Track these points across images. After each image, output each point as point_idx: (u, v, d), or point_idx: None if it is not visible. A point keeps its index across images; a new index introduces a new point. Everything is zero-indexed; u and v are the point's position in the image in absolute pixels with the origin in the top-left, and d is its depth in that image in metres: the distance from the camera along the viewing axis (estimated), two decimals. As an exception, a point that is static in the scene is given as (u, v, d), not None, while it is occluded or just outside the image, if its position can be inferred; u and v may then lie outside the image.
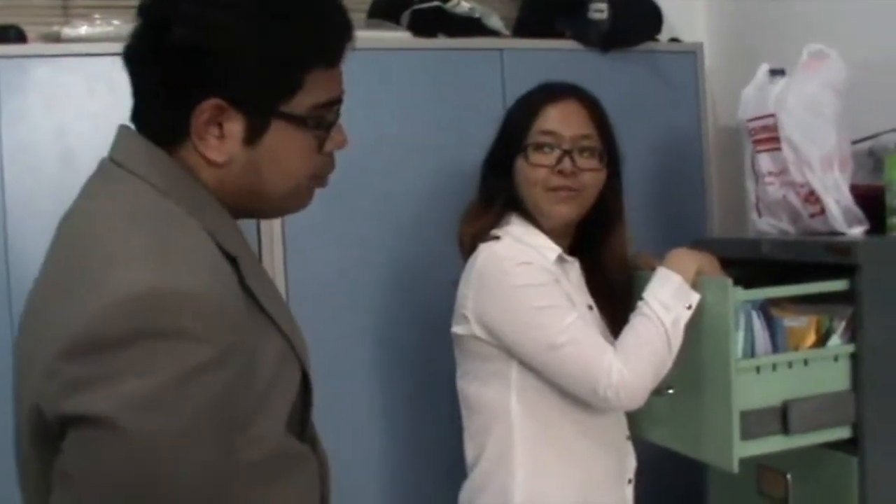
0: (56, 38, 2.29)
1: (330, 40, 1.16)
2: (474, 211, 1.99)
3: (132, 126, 1.16)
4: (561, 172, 1.91)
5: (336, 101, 1.19)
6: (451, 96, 2.52)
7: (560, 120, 1.93)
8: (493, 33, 2.68)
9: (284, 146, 1.15)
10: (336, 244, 2.40)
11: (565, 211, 1.94)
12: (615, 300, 1.99)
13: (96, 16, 2.33)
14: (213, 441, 0.99)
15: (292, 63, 1.13)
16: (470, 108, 2.45)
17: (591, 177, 1.94)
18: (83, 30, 2.29)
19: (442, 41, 2.59)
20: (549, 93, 1.97)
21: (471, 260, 1.92)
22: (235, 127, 1.11)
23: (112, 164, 1.14)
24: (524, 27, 2.76)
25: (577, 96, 1.97)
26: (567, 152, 1.91)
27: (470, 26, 2.63)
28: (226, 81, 1.09)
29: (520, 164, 1.93)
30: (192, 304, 0.97)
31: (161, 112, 1.13)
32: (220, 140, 1.12)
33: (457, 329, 1.94)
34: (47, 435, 0.98)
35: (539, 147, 1.92)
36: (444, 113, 2.51)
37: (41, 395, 0.97)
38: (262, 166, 1.15)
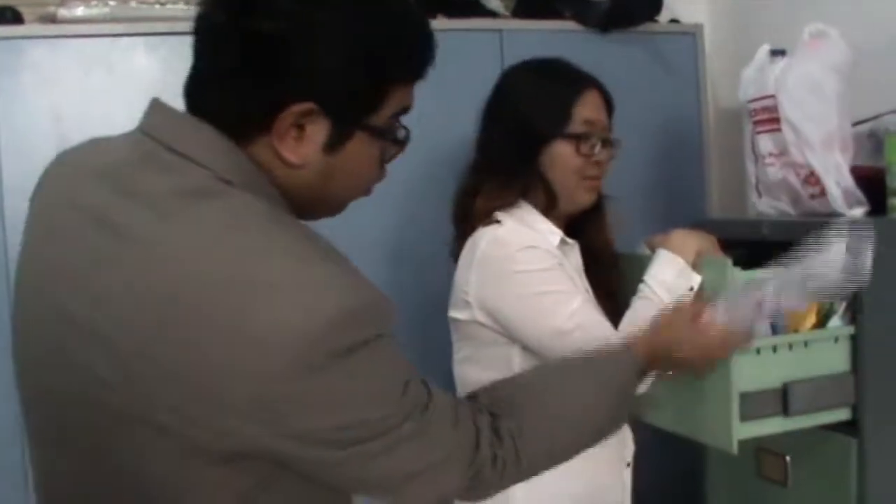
0: (52, 19, 2.28)
1: (422, 57, 1.17)
2: (493, 188, 1.93)
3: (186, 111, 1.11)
4: (597, 163, 1.93)
5: (406, 111, 1.19)
6: (450, 77, 2.49)
7: (594, 109, 1.95)
8: (492, 14, 2.67)
9: (360, 156, 1.14)
10: (331, 225, 2.39)
11: (591, 198, 1.97)
12: (604, 283, 1.99)
13: (92, -3, 2.31)
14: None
15: (388, 77, 1.12)
16: (469, 90, 2.43)
17: (609, 165, 1.98)
18: (79, 11, 2.28)
19: (441, 22, 2.57)
20: (575, 79, 1.97)
21: (469, 243, 1.90)
22: (319, 132, 1.09)
23: (172, 155, 1.07)
24: (523, 8, 2.75)
25: (595, 85, 1.98)
26: (602, 142, 1.94)
27: (469, 7, 2.62)
28: (320, 87, 1.06)
29: (561, 150, 1.91)
30: (373, 310, 1.05)
31: (241, 104, 1.07)
32: (298, 142, 1.08)
33: (457, 314, 1.93)
34: (210, 455, 1.00)
35: (586, 137, 1.92)
36: (443, 94, 2.48)
37: (236, 424, 0.98)
38: (335, 174, 1.13)
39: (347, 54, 1.07)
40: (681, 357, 1.53)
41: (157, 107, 1.12)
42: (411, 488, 1.14)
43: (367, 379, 1.04)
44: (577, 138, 1.91)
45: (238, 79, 1.07)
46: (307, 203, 1.16)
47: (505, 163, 1.94)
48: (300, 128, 1.08)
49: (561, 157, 1.92)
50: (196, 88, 1.11)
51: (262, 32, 1.04)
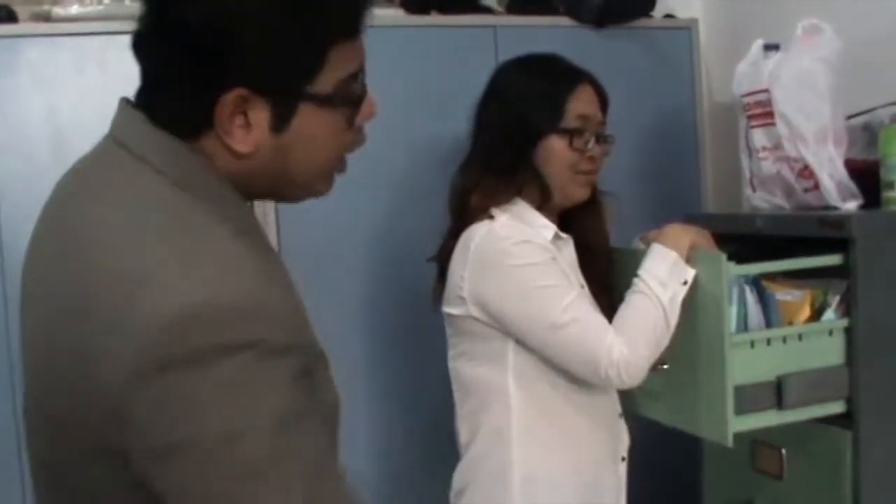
0: (47, 18, 2.29)
1: (350, 10, 1.10)
2: (489, 184, 1.93)
3: (138, 110, 1.08)
4: (591, 157, 1.94)
5: (360, 72, 1.13)
6: (444, 74, 2.51)
7: (588, 104, 1.96)
8: (486, 10, 2.67)
9: (313, 128, 1.08)
10: (327, 222, 2.39)
11: (585, 193, 1.98)
12: (600, 278, 2.00)
13: (86, -5, 2.32)
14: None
15: (314, 40, 1.06)
16: (464, 86, 2.44)
17: (604, 161, 1.99)
18: (74, 9, 2.29)
19: (435, 18, 2.58)
20: (569, 74, 1.97)
21: (463, 239, 1.90)
22: (261, 115, 1.04)
23: (120, 149, 1.06)
24: (518, 4, 2.75)
25: (589, 80, 1.99)
26: (597, 137, 1.95)
27: (463, 3, 2.62)
28: (247, 69, 1.02)
29: (554, 145, 1.92)
30: (250, 313, 0.95)
31: (178, 103, 1.05)
32: (246, 130, 1.04)
33: (451, 309, 1.93)
34: (112, 462, 0.96)
35: (579, 132, 1.92)
36: (438, 90, 2.50)
37: (110, 425, 0.93)
38: (291, 152, 1.08)
39: (264, 30, 1.02)
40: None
41: (119, 103, 1.11)
42: None
43: (228, 390, 0.93)
44: (571, 133, 1.91)
45: (171, 82, 1.05)
46: (274, 188, 1.12)
47: (500, 159, 1.94)
48: (244, 115, 1.04)
49: (554, 153, 1.92)
50: (143, 97, 1.09)
51: (177, 32, 1.02)
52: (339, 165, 1.17)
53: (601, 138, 1.97)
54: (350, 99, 1.11)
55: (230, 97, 1.02)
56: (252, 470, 0.93)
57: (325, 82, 1.07)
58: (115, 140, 1.08)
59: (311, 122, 1.08)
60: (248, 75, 1.02)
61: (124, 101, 1.11)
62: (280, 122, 1.06)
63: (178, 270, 0.94)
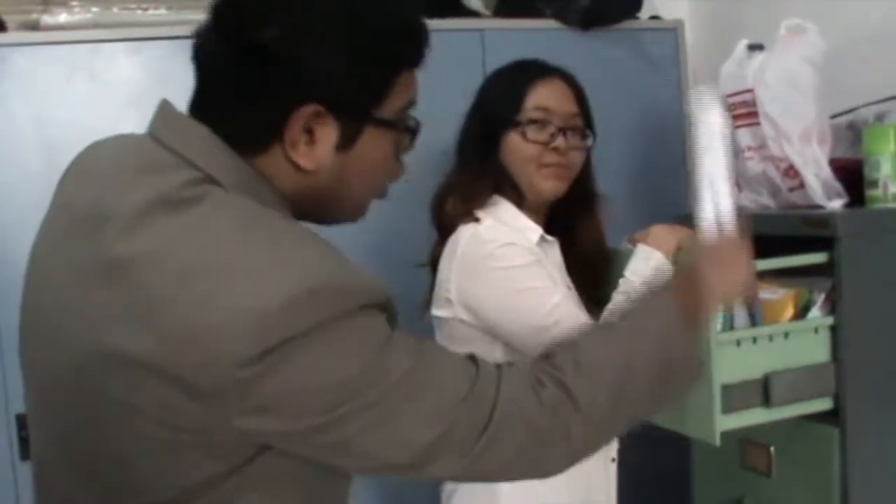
0: (35, 26, 2.30)
1: (418, 42, 1.17)
2: (464, 189, 1.95)
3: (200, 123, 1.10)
4: (555, 149, 1.92)
5: (414, 103, 1.20)
6: (432, 77, 2.50)
7: (551, 97, 1.94)
8: (473, 14, 2.69)
9: (372, 151, 1.15)
10: (318, 229, 2.39)
11: (556, 186, 1.95)
12: (591, 281, 2.00)
13: (74, 3, 2.33)
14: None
15: (387, 65, 1.13)
16: (451, 89, 2.45)
17: (578, 155, 1.96)
18: (62, 17, 2.30)
19: (422, 22, 2.59)
20: (536, 70, 1.97)
21: (451, 242, 1.91)
22: (329, 133, 1.09)
23: (174, 157, 1.08)
24: (505, 7, 2.76)
25: (560, 75, 1.98)
26: (560, 129, 1.92)
27: (450, 7, 2.63)
28: (323, 87, 1.07)
29: (512, 140, 1.93)
30: (335, 290, 1.02)
31: (245, 117, 1.09)
32: (311, 146, 1.09)
33: (439, 312, 1.94)
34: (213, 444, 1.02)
35: (535, 123, 1.92)
36: (426, 94, 2.49)
37: (225, 406, 0.98)
38: (348, 173, 1.14)
39: (344, 51, 1.08)
40: (716, 294, 1.43)
41: (162, 107, 1.14)
42: (425, 465, 1.11)
43: (334, 358, 1.01)
44: (525, 125, 1.91)
45: (242, 94, 1.08)
46: (325, 207, 1.17)
47: (470, 160, 1.96)
48: (309, 132, 1.09)
49: (513, 147, 1.93)
50: (202, 108, 1.12)
51: (257, 45, 1.06)
52: (381, 192, 1.23)
53: (568, 130, 1.95)
54: (406, 127, 1.18)
55: (304, 112, 1.06)
56: (406, 390, 1.07)
57: (389, 108, 1.14)
58: (163, 145, 1.09)
59: (371, 145, 1.14)
60: (324, 93, 1.07)
61: (165, 104, 1.13)
62: (347, 141, 1.11)
63: (274, 259, 1.01)
